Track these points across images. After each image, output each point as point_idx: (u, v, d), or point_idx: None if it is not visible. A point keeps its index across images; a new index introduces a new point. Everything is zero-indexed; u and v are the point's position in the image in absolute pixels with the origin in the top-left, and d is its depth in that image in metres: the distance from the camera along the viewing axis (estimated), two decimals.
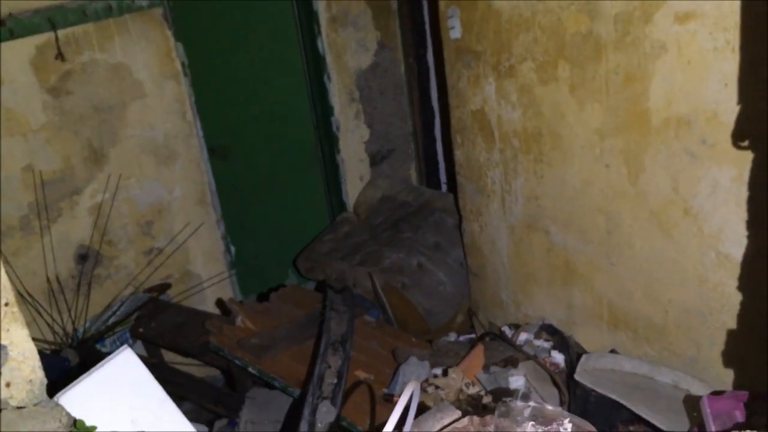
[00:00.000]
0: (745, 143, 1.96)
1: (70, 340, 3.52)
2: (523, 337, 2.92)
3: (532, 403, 0.99)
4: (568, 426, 0.93)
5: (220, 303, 4.10)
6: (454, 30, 2.97)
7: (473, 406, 2.11)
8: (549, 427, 0.92)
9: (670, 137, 2.21)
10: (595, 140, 2.49)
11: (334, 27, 3.87)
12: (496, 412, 1.07)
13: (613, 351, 2.70)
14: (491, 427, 1.01)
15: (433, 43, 4.04)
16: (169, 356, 3.76)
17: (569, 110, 2.54)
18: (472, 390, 2.40)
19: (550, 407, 0.99)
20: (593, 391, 2.29)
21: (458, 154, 3.27)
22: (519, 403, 1.01)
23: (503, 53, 2.72)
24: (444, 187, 4.39)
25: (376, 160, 4.30)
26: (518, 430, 0.94)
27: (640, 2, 2.15)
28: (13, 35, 3.22)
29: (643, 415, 2.19)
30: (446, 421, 1.38)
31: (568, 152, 2.62)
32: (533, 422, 0.94)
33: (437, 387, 2.43)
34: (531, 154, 2.79)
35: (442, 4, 3.02)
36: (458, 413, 1.41)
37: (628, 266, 2.57)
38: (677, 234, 2.32)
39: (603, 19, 2.28)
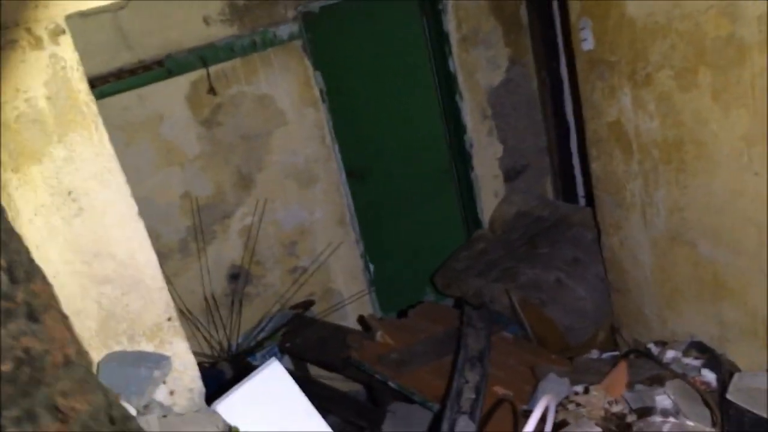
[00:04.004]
0: None
1: (225, 354, 3.76)
2: (670, 354, 2.80)
3: (671, 419, 0.97)
4: None
5: (360, 320, 4.22)
6: (587, 41, 2.92)
7: (617, 425, 2.05)
8: None
9: None
10: (742, 147, 2.36)
11: (464, 46, 3.92)
12: (634, 428, 1.05)
13: None
14: None
15: (565, 56, 3.99)
16: (314, 370, 3.92)
17: (712, 117, 2.43)
18: (616, 408, 2.33)
19: (690, 423, 0.96)
20: (748, 411, 2.16)
21: (595, 167, 3.20)
22: (658, 419, 0.99)
23: (639, 62, 2.65)
24: (582, 201, 4.29)
25: (510, 176, 4.28)
26: None
27: None
28: (171, 74, 3.52)
29: None
30: None
31: (713, 161, 2.50)
32: None
33: (578, 404, 2.38)
34: (672, 164, 2.68)
35: (573, 16, 2.98)
36: (598, 430, 1.39)
37: None
38: None
39: (745, 21, 2.17)
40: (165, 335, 1.67)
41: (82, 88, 1.50)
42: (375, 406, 3.35)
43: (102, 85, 3.37)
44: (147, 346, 1.64)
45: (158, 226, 3.67)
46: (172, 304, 1.68)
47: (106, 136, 1.54)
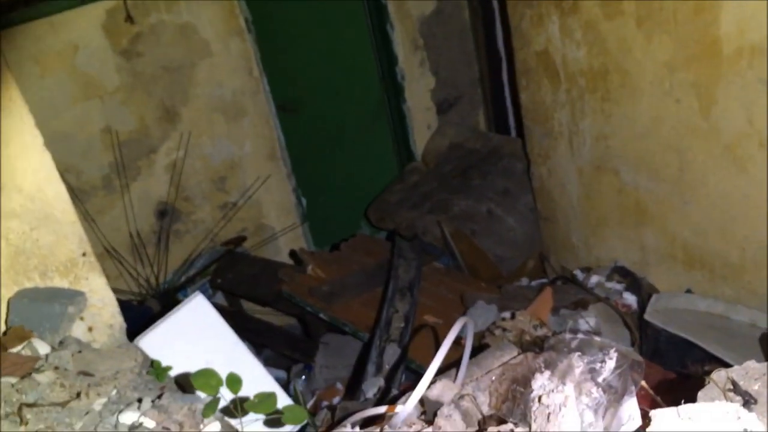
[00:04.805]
0: None
1: (153, 292, 3.69)
2: (594, 279, 2.89)
3: (580, 335, 1.00)
4: (614, 355, 0.93)
5: (292, 254, 4.20)
6: None
7: (539, 347, 2.10)
8: (594, 357, 0.92)
9: (743, 67, 2.11)
10: (664, 74, 2.39)
11: None
12: (545, 345, 1.08)
13: (689, 291, 2.64)
14: (540, 360, 1.02)
15: None
16: (248, 306, 3.91)
17: (636, 45, 2.44)
18: (540, 332, 2.40)
19: (597, 338, 0.99)
20: (664, 330, 2.26)
21: (524, 97, 3.20)
22: (567, 335, 1.01)
23: None
24: (513, 132, 4.31)
25: (443, 107, 4.26)
26: (564, 360, 0.94)
27: None
28: (84, 1, 3.32)
29: (717, 354, 2.14)
30: (505, 359, 1.39)
31: (636, 89, 2.53)
32: (579, 353, 0.94)
33: (504, 329, 2.44)
34: (598, 92, 2.71)
35: None
36: (516, 351, 1.42)
37: (702, 204, 2.48)
38: (753, 168, 2.22)
39: None
40: (80, 271, 1.60)
41: None
42: (308, 339, 3.38)
43: (10, 13, 3.16)
44: (61, 282, 1.58)
45: (79, 162, 3.53)
46: (86, 238, 1.61)
47: (4, 63, 1.44)
